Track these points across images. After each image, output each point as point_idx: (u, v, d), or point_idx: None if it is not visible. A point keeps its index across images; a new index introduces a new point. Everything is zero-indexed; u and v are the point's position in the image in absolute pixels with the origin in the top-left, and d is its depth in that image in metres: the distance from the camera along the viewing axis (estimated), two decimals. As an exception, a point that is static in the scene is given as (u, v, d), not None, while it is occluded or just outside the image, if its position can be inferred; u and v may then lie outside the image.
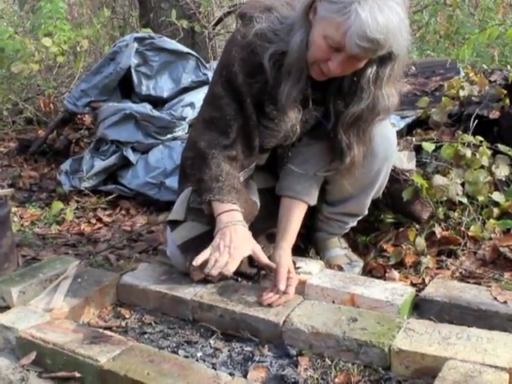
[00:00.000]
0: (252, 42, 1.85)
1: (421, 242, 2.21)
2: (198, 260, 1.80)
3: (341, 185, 2.07)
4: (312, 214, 2.23)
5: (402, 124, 2.69)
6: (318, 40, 1.72)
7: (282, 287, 1.87)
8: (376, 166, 2.02)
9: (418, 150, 2.37)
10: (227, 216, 1.88)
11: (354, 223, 2.23)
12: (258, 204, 2.09)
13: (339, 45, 1.67)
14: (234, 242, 1.82)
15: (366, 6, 1.59)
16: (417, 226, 2.28)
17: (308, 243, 2.31)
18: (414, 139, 2.24)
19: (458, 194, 2.21)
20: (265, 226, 2.10)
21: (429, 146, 2.30)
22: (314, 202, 2.08)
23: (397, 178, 2.20)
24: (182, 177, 2.19)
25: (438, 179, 2.21)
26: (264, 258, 1.88)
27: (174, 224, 2.06)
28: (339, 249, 2.23)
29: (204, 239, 1.98)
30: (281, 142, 1.99)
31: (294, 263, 2.09)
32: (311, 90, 1.90)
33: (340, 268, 2.16)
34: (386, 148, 2.01)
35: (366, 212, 2.19)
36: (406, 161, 2.17)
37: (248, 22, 1.89)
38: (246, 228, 1.90)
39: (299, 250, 2.24)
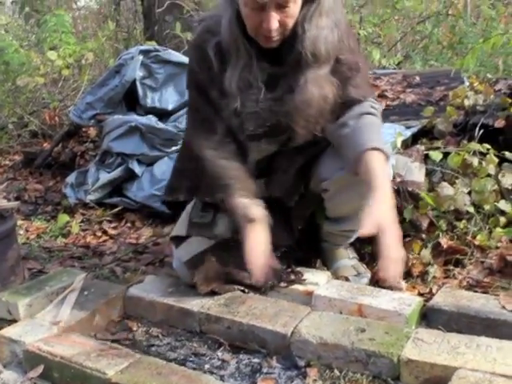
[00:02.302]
0: (200, 39, 1.97)
1: (426, 254, 2.20)
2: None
3: (334, 205, 2.06)
4: (316, 225, 2.23)
5: (408, 134, 2.69)
6: (245, 11, 1.79)
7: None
8: (366, 192, 1.90)
9: (424, 159, 2.37)
10: (236, 208, 1.88)
11: (357, 235, 2.21)
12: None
13: (257, 3, 1.73)
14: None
15: None
16: (422, 236, 2.27)
17: (314, 254, 2.30)
18: (423, 149, 2.24)
19: (465, 204, 2.21)
20: None
21: (436, 156, 2.30)
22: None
23: (398, 191, 2.17)
24: (167, 187, 2.25)
25: (446, 189, 2.20)
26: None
27: (178, 240, 2.06)
28: (347, 259, 2.22)
29: (209, 254, 1.99)
30: (262, 125, 1.97)
31: (301, 274, 2.09)
32: (269, 67, 1.91)
33: (347, 279, 2.15)
34: None
35: None
36: (416, 172, 2.15)
37: (198, 24, 2.04)
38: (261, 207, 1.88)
39: (305, 261, 2.24)
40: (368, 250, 2.36)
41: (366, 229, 1.65)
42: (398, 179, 2.25)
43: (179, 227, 2.08)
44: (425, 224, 2.23)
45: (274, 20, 1.76)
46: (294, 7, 1.78)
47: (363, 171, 1.78)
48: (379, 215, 1.67)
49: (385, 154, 1.80)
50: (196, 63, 1.99)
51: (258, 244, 1.82)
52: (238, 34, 1.85)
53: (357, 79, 1.95)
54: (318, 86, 1.87)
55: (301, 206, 2.14)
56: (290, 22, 1.81)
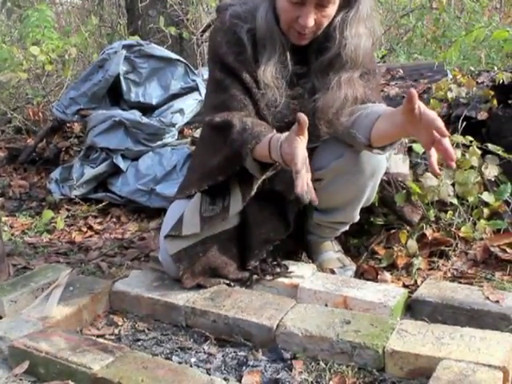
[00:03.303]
0: (230, 23, 1.93)
1: (412, 244, 2.21)
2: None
3: (327, 195, 2.06)
4: (303, 218, 2.23)
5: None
6: (282, 3, 1.80)
7: None
8: (362, 182, 2.00)
9: (408, 151, 2.37)
10: (272, 147, 1.74)
11: (345, 228, 2.23)
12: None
13: None
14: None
15: None
16: (408, 228, 2.28)
17: (300, 247, 2.31)
18: (406, 141, 2.25)
19: (449, 195, 2.22)
20: (260, 231, 2.09)
21: (419, 148, 2.30)
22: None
23: (388, 182, 2.19)
24: (181, 186, 2.19)
25: (430, 180, 2.22)
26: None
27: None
28: (332, 252, 2.23)
29: (197, 249, 1.99)
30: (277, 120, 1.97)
31: (286, 267, 2.09)
32: (293, 64, 1.93)
33: (332, 272, 2.16)
34: (374, 164, 1.97)
35: (357, 219, 2.18)
36: (401, 164, 2.17)
37: (224, 9, 1.99)
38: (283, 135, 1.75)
39: (291, 254, 2.25)
40: (353, 242, 2.38)
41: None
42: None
43: (191, 223, 2.00)
44: (416, 219, 2.24)
45: (312, 17, 1.78)
46: (333, 8, 1.81)
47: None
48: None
49: None
50: (226, 44, 1.94)
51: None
52: (274, 25, 1.86)
53: (373, 83, 2.01)
54: (351, 87, 1.91)
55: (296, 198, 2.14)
56: (325, 22, 1.84)
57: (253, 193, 1.98)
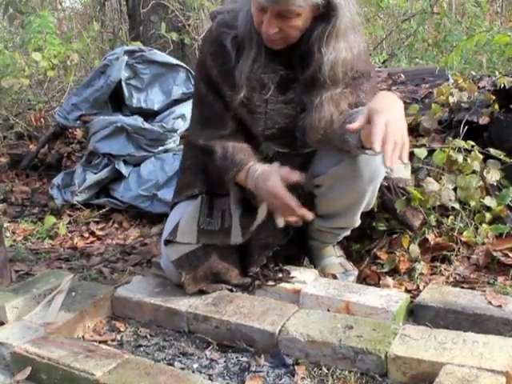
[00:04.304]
0: (217, 32, 1.97)
1: (415, 249, 2.21)
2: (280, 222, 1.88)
3: (327, 201, 2.07)
4: (304, 224, 2.23)
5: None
6: (252, 8, 1.83)
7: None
8: (361, 188, 1.98)
9: (410, 156, 2.37)
10: (249, 178, 1.90)
11: (347, 233, 2.23)
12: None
13: (259, 4, 1.77)
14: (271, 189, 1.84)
15: None
16: (410, 233, 2.28)
17: (302, 252, 2.30)
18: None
19: (450, 200, 2.22)
20: (259, 236, 2.09)
21: (421, 153, 2.30)
22: None
23: (388, 188, 2.19)
24: (177, 188, 2.20)
25: (431, 184, 2.21)
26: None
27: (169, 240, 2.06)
28: (334, 257, 2.23)
29: (198, 254, 1.99)
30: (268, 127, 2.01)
31: (289, 272, 2.09)
32: (280, 68, 1.96)
33: (334, 277, 2.16)
34: (372, 169, 1.96)
35: (358, 224, 2.17)
36: (402, 169, 2.17)
37: (214, 18, 2.03)
38: (265, 166, 1.90)
39: (293, 259, 2.24)
40: (355, 247, 2.37)
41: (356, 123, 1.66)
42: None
43: (187, 233, 2.02)
44: (417, 224, 2.24)
45: (272, 26, 1.79)
46: (298, 20, 1.80)
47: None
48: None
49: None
50: (210, 56, 1.99)
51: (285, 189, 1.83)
52: (252, 25, 1.87)
53: (367, 86, 2.00)
54: (334, 104, 1.91)
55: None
56: (294, 33, 1.84)
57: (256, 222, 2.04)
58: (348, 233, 2.23)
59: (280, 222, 1.84)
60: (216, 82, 1.98)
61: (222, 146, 1.96)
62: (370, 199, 2.05)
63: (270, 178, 1.84)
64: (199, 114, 2.08)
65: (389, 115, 1.62)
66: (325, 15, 1.81)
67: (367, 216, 2.23)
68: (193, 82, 3.52)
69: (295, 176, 1.82)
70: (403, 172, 2.17)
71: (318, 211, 2.13)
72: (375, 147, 1.59)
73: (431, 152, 2.35)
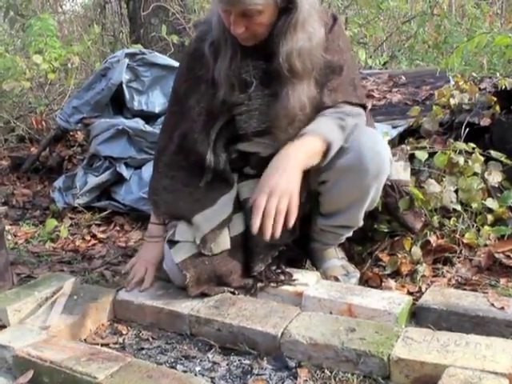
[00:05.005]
0: (194, 44, 2.10)
1: (417, 251, 2.20)
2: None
3: (331, 197, 2.07)
4: (307, 225, 2.23)
5: (394, 133, 2.70)
6: (220, 12, 1.90)
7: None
8: (366, 183, 1.98)
9: (411, 158, 2.38)
10: (150, 229, 2.23)
11: (349, 234, 2.23)
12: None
13: (222, 7, 1.85)
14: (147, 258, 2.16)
15: None
16: (411, 235, 2.28)
17: (304, 254, 2.30)
18: (408, 148, 2.25)
19: (452, 201, 2.22)
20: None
21: (422, 155, 2.31)
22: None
23: (391, 189, 2.19)
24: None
25: (432, 186, 2.21)
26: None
27: (172, 242, 2.06)
28: (336, 259, 2.23)
29: (203, 257, 2.00)
30: (254, 123, 2.07)
31: (291, 275, 2.09)
32: (261, 63, 2.00)
33: (336, 279, 2.15)
34: (378, 164, 1.96)
35: (361, 224, 2.16)
36: (402, 171, 2.17)
37: (196, 27, 2.18)
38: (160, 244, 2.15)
39: (295, 262, 2.24)
40: (357, 249, 2.37)
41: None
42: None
43: (184, 233, 2.07)
44: (418, 226, 2.24)
45: (238, 25, 1.85)
46: (262, 17, 1.85)
47: None
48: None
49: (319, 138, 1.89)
50: (185, 70, 2.11)
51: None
52: (224, 27, 1.92)
53: (334, 82, 2.01)
54: (298, 100, 1.94)
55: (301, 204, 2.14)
56: (260, 30, 1.90)
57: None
58: (350, 234, 2.22)
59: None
60: (184, 94, 2.11)
61: (164, 173, 2.17)
62: (374, 196, 2.04)
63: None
64: (166, 119, 2.29)
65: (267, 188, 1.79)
66: (286, 8, 1.87)
67: (369, 218, 2.23)
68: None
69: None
70: (402, 174, 2.17)
71: (322, 210, 2.13)
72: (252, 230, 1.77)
73: (432, 154, 2.35)
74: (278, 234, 1.76)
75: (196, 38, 2.11)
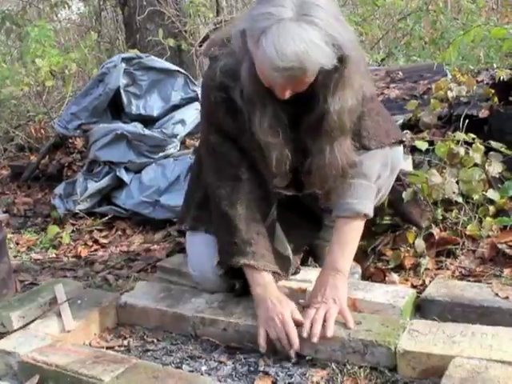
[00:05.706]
0: (222, 81, 1.83)
1: (420, 243, 2.19)
2: (262, 344, 1.76)
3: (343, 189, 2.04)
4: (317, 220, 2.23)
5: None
6: (259, 74, 1.69)
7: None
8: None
9: (411, 151, 2.37)
10: (263, 290, 1.85)
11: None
12: (291, 257, 2.05)
13: (272, 84, 1.67)
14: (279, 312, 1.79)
15: (269, 36, 1.54)
16: (414, 229, 2.27)
17: (306, 251, 2.29)
18: (409, 139, 2.24)
19: (454, 192, 2.21)
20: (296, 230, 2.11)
21: (422, 145, 2.30)
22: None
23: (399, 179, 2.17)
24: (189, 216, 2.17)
25: (434, 177, 2.20)
26: (298, 316, 1.80)
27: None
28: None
29: None
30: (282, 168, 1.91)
31: (299, 269, 2.09)
32: (287, 106, 1.81)
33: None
34: (396, 161, 1.97)
35: (371, 215, 2.14)
36: (402, 161, 2.16)
37: (212, 62, 1.89)
38: (281, 294, 1.87)
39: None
40: (360, 245, 2.35)
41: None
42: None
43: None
44: (424, 224, 2.22)
45: (286, 92, 1.68)
46: (308, 81, 1.68)
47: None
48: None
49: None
50: (220, 108, 1.87)
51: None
52: (260, 85, 1.72)
53: (369, 122, 1.92)
54: (344, 155, 1.84)
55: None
56: (305, 87, 1.71)
57: None
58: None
59: (262, 347, 1.76)
60: (229, 131, 1.90)
61: (247, 224, 1.89)
62: (383, 192, 2.02)
63: (283, 303, 1.81)
64: (213, 162, 1.98)
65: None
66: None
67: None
68: (191, 88, 3.53)
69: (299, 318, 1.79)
70: (404, 165, 2.16)
71: (331, 203, 2.06)
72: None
73: (433, 146, 2.35)
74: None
75: (220, 73, 1.83)
